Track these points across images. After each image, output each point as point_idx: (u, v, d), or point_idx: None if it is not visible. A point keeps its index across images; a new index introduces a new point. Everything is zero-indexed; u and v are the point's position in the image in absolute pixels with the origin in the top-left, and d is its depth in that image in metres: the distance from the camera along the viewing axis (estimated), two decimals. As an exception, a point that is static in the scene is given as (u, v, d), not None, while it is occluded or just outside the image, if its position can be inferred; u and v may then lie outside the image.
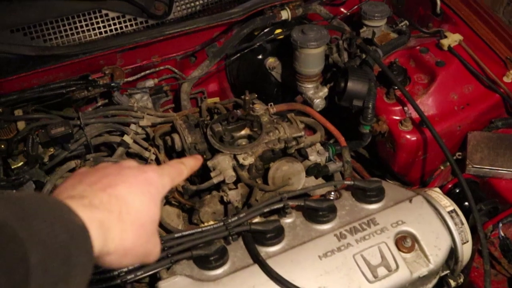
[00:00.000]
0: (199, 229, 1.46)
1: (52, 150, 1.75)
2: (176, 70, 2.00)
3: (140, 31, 1.82)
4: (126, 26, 1.85)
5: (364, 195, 1.56)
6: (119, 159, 1.87)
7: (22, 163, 1.71)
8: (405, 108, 1.86)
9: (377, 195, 1.56)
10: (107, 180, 0.86)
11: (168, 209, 1.74)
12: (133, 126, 1.82)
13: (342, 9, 2.25)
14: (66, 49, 1.71)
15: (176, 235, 1.44)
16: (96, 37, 1.81)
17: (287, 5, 2.01)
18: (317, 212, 1.50)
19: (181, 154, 1.77)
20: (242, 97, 1.78)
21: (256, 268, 1.40)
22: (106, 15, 1.83)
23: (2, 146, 1.70)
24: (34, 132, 1.69)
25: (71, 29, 1.80)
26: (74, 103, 1.86)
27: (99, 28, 1.83)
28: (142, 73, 1.94)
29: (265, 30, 2.06)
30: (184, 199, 1.69)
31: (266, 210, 1.49)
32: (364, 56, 1.95)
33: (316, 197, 1.63)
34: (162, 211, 1.69)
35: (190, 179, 1.86)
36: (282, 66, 2.13)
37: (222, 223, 1.46)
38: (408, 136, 1.84)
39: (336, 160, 1.86)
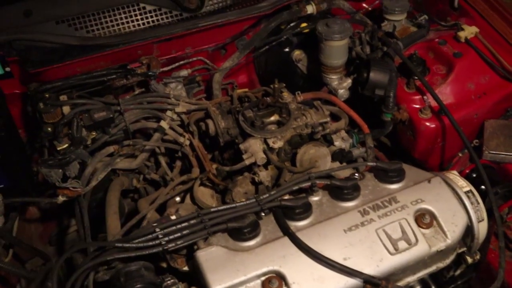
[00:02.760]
0: (233, 205, 1.58)
1: (94, 134, 1.89)
2: (208, 61, 2.13)
3: (175, 24, 1.95)
4: (162, 19, 1.98)
5: (385, 175, 1.67)
6: (156, 143, 2.01)
7: (66, 145, 1.84)
8: (425, 97, 1.97)
9: (398, 175, 1.67)
10: None
11: (202, 190, 1.86)
12: (169, 113, 1.95)
13: (364, 5, 2.35)
14: (107, 39, 1.86)
15: (213, 209, 1.56)
16: (135, 28, 1.95)
17: (312, 0, 2.13)
18: (342, 190, 1.62)
19: (214, 138, 1.89)
20: (271, 86, 1.91)
21: (286, 240, 1.52)
22: (144, 8, 1.97)
23: (49, 129, 1.84)
24: (79, 116, 1.82)
25: (111, 20, 1.94)
26: (114, 91, 1.99)
27: (137, 20, 1.97)
28: (177, 64, 2.07)
29: (291, 24, 2.18)
30: (218, 180, 1.81)
31: (295, 188, 1.61)
32: (385, 48, 2.06)
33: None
34: (197, 191, 1.82)
35: (222, 162, 1.99)
36: (307, 58, 2.25)
37: (254, 200, 1.59)
38: (428, 124, 1.95)
39: (359, 147, 1.97)
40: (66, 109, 1.85)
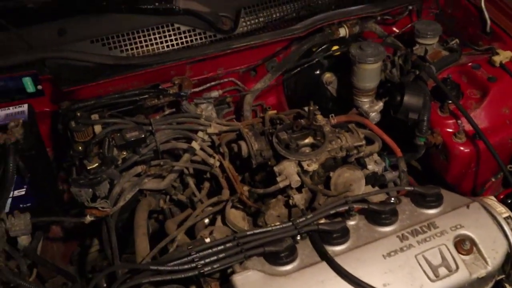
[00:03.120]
0: (269, 228, 1.56)
1: (124, 153, 1.87)
2: (239, 83, 2.13)
3: (209, 44, 1.95)
4: (195, 39, 1.98)
5: (423, 200, 1.64)
6: (185, 164, 1.99)
7: (97, 164, 1.82)
8: (459, 121, 1.94)
9: (436, 200, 1.63)
10: None
11: (234, 212, 1.83)
12: (200, 134, 1.94)
13: (394, 28, 2.35)
14: (142, 59, 1.85)
15: (249, 232, 1.54)
16: (168, 48, 1.95)
17: (344, 23, 2.13)
18: (380, 215, 1.59)
19: (246, 160, 1.87)
20: (304, 108, 1.90)
21: (324, 265, 1.48)
22: (178, 28, 1.97)
23: (80, 147, 1.82)
24: (110, 136, 1.81)
25: (145, 40, 1.94)
26: (144, 111, 1.98)
27: (171, 40, 1.97)
28: (208, 84, 2.07)
29: (323, 47, 2.17)
30: (251, 202, 1.78)
31: (332, 212, 1.58)
32: (417, 72, 2.05)
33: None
34: (229, 214, 1.80)
35: (254, 185, 1.96)
36: (337, 81, 2.23)
37: (290, 223, 1.56)
38: (462, 148, 1.92)
39: (391, 171, 1.95)
40: (97, 128, 1.84)
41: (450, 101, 1.95)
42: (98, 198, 1.83)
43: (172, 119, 1.92)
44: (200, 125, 1.94)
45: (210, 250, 1.48)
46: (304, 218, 1.57)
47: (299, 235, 1.52)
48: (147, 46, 1.94)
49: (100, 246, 2.32)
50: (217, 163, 1.98)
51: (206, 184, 2.11)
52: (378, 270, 1.48)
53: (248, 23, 2.05)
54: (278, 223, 1.59)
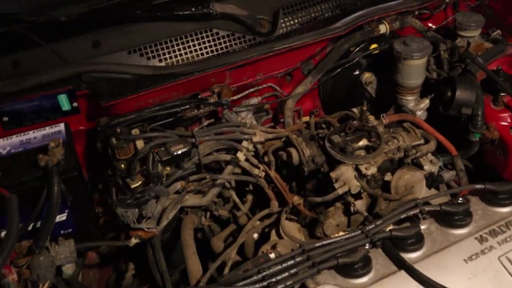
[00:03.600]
0: (338, 238, 1.46)
1: (168, 169, 1.77)
2: (278, 88, 2.03)
3: (250, 48, 1.86)
4: (235, 44, 1.88)
5: (495, 198, 1.55)
6: (229, 177, 1.89)
7: (140, 182, 1.72)
8: (516, 114, 1.86)
9: (510, 197, 1.55)
10: None
11: (288, 224, 1.73)
12: (245, 143, 1.84)
13: (429, 24, 2.27)
14: (182, 68, 1.75)
15: (317, 244, 1.43)
16: (208, 55, 1.85)
17: (384, 19, 2.05)
18: (453, 216, 1.50)
19: (295, 169, 1.77)
20: (353, 109, 1.80)
21: (403, 274, 1.39)
22: (217, 33, 1.88)
23: (122, 165, 1.72)
24: (154, 150, 1.71)
25: (184, 48, 1.84)
26: (183, 123, 1.88)
27: (210, 46, 1.87)
28: (246, 91, 1.97)
29: (361, 46, 2.08)
30: (310, 212, 1.69)
31: (403, 216, 1.49)
32: (463, 65, 1.97)
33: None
34: (285, 226, 1.70)
35: (304, 194, 1.86)
36: (377, 81, 2.14)
37: (359, 231, 1.46)
38: (519, 141, 1.83)
39: (447, 170, 1.86)
40: (140, 143, 1.73)
41: (503, 94, 1.87)
42: (144, 219, 1.73)
43: (216, 129, 1.82)
44: (245, 134, 1.84)
45: (280, 266, 1.38)
46: (373, 225, 1.47)
47: (373, 244, 1.43)
48: (186, 54, 1.84)
49: (136, 270, 2.22)
50: (262, 174, 1.88)
51: (249, 197, 2.01)
52: (461, 276, 1.39)
53: (288, 23, 1.95)
54: (344, 232, 1.49)
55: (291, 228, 1.74)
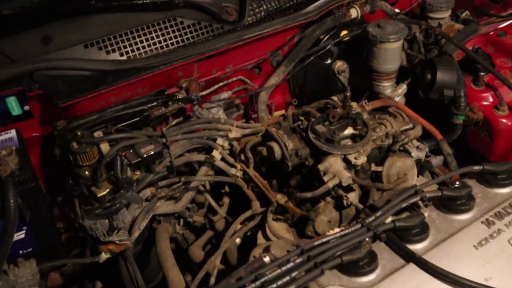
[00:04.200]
0: (338, 234, 1.33)
1: (138, 173, 1.59)
2: (248, 81, 1.89)
3: (218, 37, 1.70)
4: (202, 34, 1.72)
5: (495, 179, 1.48)
6: (205, 178, 1.73)
7: (108, 190, 1.53)
8: (497, 93, 1.80)
9: (509, 177, 1.47)
10: None
11: (275, 225, 1.59)
12: (219, 141, 1.69)
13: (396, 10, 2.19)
14: (146, 61, 1.58)
15: (316, 242, 1.30)
16: (173, 46, 1.68)
17: (354, 3, 1.95)
18: (455, 201, 1.41)
19: (277, 164, 1.64)
20: (332, 97, 1.69)
21: (412, 267, 1.28)
22: (182, 23, 1.71)
23: (87, 172, 1.53)
24: (121, 153, 1.53)
25: (147, 40, 1.67)
26: (150, 123, 1.71)
27: (175, 37, 1.70)
28: (216, 86, 1.82)
29: (331, 33, 1.97)
30: (299, 210, 1.55)
31: (403, 205, 1.38)
32: (437, 48, 1.90)
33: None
34: (273, 226, 1.55)
35: (287, 191, 1.73)
36: (349, 69, 2.04)
37: (359, 225, 1.34)
38: (506, 121, 1.77)
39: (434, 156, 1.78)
40: (104, 146, 1.54)
41: (483, 73, 1.81)
42: (115, 230, 1.54)
43: (187, 127, 1.66)
44: (219, 131, 1.69)
45: (279, 270, 1.23)
46: (373, 217, 1.35)
47: (377, 237, 1.31)
48: (149, 46, 1.67)
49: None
50: (240, 173, 1.73)
51: (226, 200, 1.86)
52: (474, 264, 1.29)
53: (256, 10, 1.82)
54: (340, 228, 1.36)
55: (279, 228, 1.60)
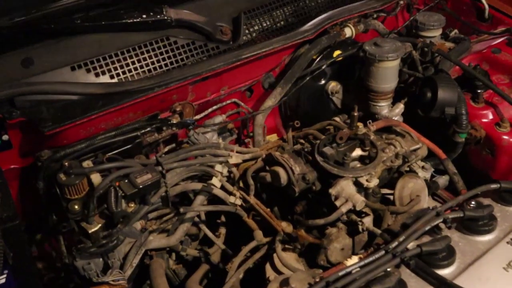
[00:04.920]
0: (362, 262, 1.23)
1: (132, 205, 1.45)
2: (242, 104, 1.80)
3: (214, 58, 1.60)
4: (197, 54, 1.61)
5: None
6: (203, 208, 1.61)
7: (100, 225, 1.39)
8: (497, 110, 1.77)
9: (527, 194, 1.42)
10: None
11: (284, 256, 1.47)
12: (218, 167, 1.57)
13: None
14: (139, 83, 1.45)
15: (341, 273, 1.20)
16: (167, 67, 1.56)
17: (348, 22, 1.90)
18: (477, 222, 1.34)
19: (282, 190, 1.53)
20: (335, 118, 1.62)
21: (445, 294, 1.19)
22: (175, 42, 1.60)
23: (76, 206, 1.38)
24: (115, 184, 1.39)
25: (138, 60, 1.54)
26: (143, 149, 1.58)
27: (168, 58, 1.58)
28: (210, 109, 1.71)
29: (324, 53, 1.91)
30: (312, 237, 1.45)
31: (427, 228, 1.30)
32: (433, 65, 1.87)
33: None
34: (283, 257, 1.44)
35: (291, 219, 1.62)
36: (343, 90, 1.98)
37: (383, 251, 1.25)
38: (507, 137, 1.74)
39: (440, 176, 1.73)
40: (95, 177, 1.40)
41: (481, 90, 1.78)
42: (110, 270, 1.39)
43: (184, 154, 1.54)
44: (218, 157, 1.57)
45: (307, 305, 1.13)
46: (397, 243, 1.27)
47: (404, 264, 1.22)
48: (141, 67, 1.54)
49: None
50: (238, 201, 1.62)
51: (222, 230, 1.74)
52: (506, 286, 1.22)
53: (251, 29, 1.73)
54: (355, 258, 1.28)
55: (288, 259, 1.49)
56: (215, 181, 1.56)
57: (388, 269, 1.23)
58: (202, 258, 1.72)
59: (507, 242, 1.31)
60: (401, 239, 1.28)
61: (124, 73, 1.52)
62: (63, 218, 1.43)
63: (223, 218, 1.74)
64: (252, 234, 1.61)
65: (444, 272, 1.25)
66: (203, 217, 1.69)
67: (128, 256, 1.49)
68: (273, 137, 1.99)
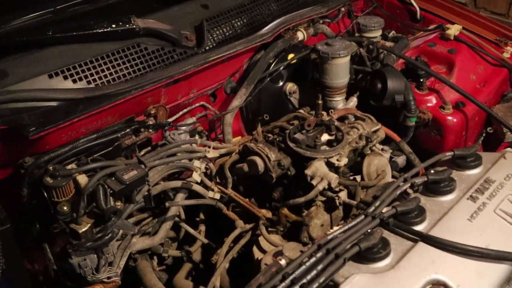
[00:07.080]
0: (346, 226, 1.35)
1: (119, 204, 1.50)
2: (210, 106, 1.89)
3: (185, 60, 1.69)
4: (167, 59, 1.70)
5: (465, 162, 1.59)
6: (187, 202, 1.67)
7: (89, 224, 1.43)
8: (439, 95, 1.97)
9: (476, 159, 1.59)
10: None
11: (269, 237, 1.56)
12: (196, 163, 1.65)
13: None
14: (117, 87, 1.52)
15: (330, 236, 1.31)
16: (140, 72, 1.64)
17: (299, 26, 2.06)
18: (439, 184, 1.49)
19: (259, 178, 1.63)
20: (300, 110, 1.75)
21: (422, 245, 1.33)
22: (146, 49, 1.68)
23: (65, 208, 1.41)
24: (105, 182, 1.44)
25: (113, 66, 1.61)
26: (122, 152, 1.64)
27: (141, 63, 1.65)
28: (180, 112, 1.80)
29: (280, 56, 2.05)
30: (294, 215, 1.55)
31: (398, 192, 1.44)
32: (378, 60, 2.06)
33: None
34: (269, 237, 1.53)
35: (270, 205, 1.71)
36: (299, 89, 2.12)
37: (363, 216, 1.37)
38: (451, 118, 1.94)
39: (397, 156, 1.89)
40: (82, 178, 1.44)
41: (423, 79, 1.98)
42: (103, 267, 1.43)
43: (164, 152, 1.61)
44: (197, 153, 1.65)
45: (304, 266, 1.22)
46: (373, 207, 1.40)
47: (385, 223, 1.35)
48: (116, 72, 1.61)
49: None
50: (217, 195, 1.70)
51: (202, 228, 1.80)
52: (473, 234, 1.37)
53: (214, 35, 1.84)
54: (336, 228, 1.38)
55: (274, 240, 1.57)
56: (196, 176, 1.63)
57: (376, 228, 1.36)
58: (185, 257, 1.78)
59: (467, 199, 1.47)
60: (377, 203, 1.41)
61: (100, 78, 1.59)
62: (51, 222, 1.44)
63: (202, 216, 1.81)
64: (233, 226, 1.69)
65: (418, 228, 1.38)
66: (183, 216, 1.75)
67: (115, 258, 1.53)
68: (238, 139, 2.09)
